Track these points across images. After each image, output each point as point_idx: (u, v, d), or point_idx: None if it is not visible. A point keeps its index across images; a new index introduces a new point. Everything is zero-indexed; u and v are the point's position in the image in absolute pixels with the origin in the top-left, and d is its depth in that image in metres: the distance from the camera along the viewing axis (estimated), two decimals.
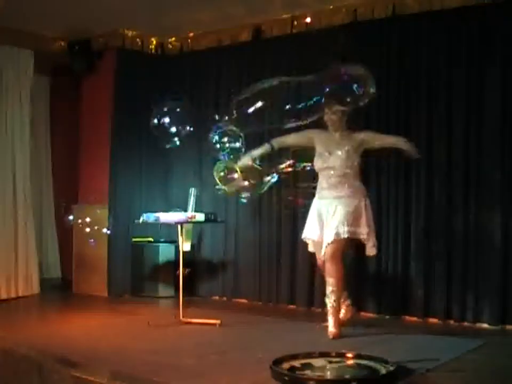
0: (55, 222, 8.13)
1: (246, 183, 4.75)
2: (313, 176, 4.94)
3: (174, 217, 5.29)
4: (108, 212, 6.68)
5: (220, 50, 6.68)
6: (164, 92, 6.79)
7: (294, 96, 4.56)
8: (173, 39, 7.00)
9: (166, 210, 5.59)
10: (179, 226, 5.31)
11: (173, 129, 4.86)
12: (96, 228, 6.22)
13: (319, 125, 4.75)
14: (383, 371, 3.40)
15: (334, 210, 4.69)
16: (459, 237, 5.22)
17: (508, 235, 5.03)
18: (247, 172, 4.78)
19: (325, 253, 4.68)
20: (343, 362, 3.62)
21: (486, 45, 5.16)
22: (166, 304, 6.37)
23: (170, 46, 7.04)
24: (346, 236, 4.60)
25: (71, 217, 6.58)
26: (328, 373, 3.43)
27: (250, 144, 4.85)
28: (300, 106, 4.44)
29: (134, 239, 6.82)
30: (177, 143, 4.90)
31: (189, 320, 5.14)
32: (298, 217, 5.92)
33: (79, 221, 6.39)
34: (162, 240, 6.79)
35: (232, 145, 4.73)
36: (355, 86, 4.30)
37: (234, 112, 4.53)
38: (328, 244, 4.63)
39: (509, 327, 4.98)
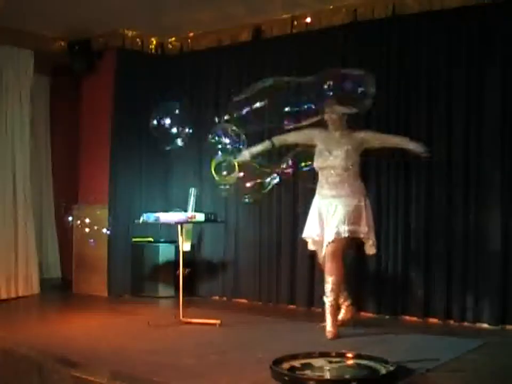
0: (55, 222, 8.13)
1: (241, 174, 4.75)
2: (313, 176, 4.96)
3: (174, 217, 5.29)
4: (108, 212, 6.68)
5: (220, 50, 6.68)
6: (163, 91, 6.82)
7: (294, 98, 4.56)
8: (173, 39, 7.00)
9: (166, 210, 5.60)
10: (179, 226, 5.31)
11: (173, 132, 4.88)
12: (95, 228, 6.22)
13: (320, 123, 4.76)
14: (383, 371, 3.40)
15: (334, 209, 4.70)
16: (459, 237, 5.22)
17: (508, 235, 5.03)
18: (244, 168, 4.79)
19: (325, 252, 4.69)
20: (343, 362, 3.62)
21: (486, 45, 5.16)
22: (166, 304, 6.37)
23: (170, 46, 7.04)
24: (346, 235, 4.62)
25: (70, 218, 6.59)
26: (328, 373, 3.43)
27: (250, 144, 4.87)
28: (300, 108, 4.46)
29: (134, 239, 6.82)
30: (179, 144, 4.92)
31: (189, 320, 5.14)
32: (298, 217, 5.93)
33: (78, 222, 6.40)
34: (162, 240, 6.79)
35: (233, 145, 4.74)
36: (357, 89, 4.33)
37: (234, 112, 4.53)
38: (329, 243, 4.64)
39: (509, 327, 4.98)
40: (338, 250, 4.68)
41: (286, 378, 3.29)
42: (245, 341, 4.57)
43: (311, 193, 4.99)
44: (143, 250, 6.78)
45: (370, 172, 5.53)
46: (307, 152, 4.94)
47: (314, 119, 4.64)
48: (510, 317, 4.99)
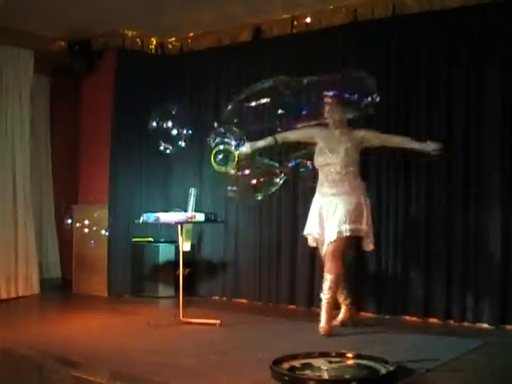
0: (55, 222, 8.13)
1: (247, 172, 4.76)
2: (313, 176, 4.96)
3: (174, 217, 5.29)
4: (108, 212, 6.69)
5: (220, 50, 6.68)
6: (164, 91, 6.83)
7: (295, 98, 4.57)
8: (173, 39, 7.00)
9: (166, 210, 5.60)
10: (179, 226, 5.31)
11: (173, 136, 4.90)
12: (94, 228, 6.22)
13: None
14: (383, 371, 3.40)
15: (334, 209, 4.71)
16: (459, 237, 5.22)
17: (508, 235, 5.03)
18: (245, 161, 4.81)
19: (325, 250, 4.71)
20: (343, 362, 3.62)
21: (486, 45, 5.16)
22: (166, 304, 6.37)
23: (170, 46, 7.04)
24: (348, 234, 4.64)
25: (69, 221, 6.59)
26: (328, 373, 3.43)
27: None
28: (301, 110, 4.47)
29: (134, 239, 6.81)
30: (181, 146, 4.94)
31: (189, 320, 5.14)
32: (298, 217, 5.93)
33: (78, 224, 6.40)
34: (162, 240, 6.79)
35: (233, 142, 4.76)
36: (362, 100, 4.36)
37: (233, 113, 4.54)
38: (331, 243, 4.65)
39: (509, 327, 4.98)
40: (339, 250, 4.70)
41: (286, 378, 3.29)
42: (245, 341, 4.57)
43: (311, 192, 5.00)
44: (143, 250, 6.78)
45: (370, 171, 5.53)
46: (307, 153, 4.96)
47: (315, 122, 4.68)
48: (510, 317, 4.99)
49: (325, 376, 3.40)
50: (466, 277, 5.18)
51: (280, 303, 6.18)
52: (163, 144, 4.96)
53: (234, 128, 4.72)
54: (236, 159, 4.75)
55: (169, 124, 4.89)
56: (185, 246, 5.68)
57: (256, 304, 6.31)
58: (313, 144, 4.91)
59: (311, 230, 4.90)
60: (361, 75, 4.59)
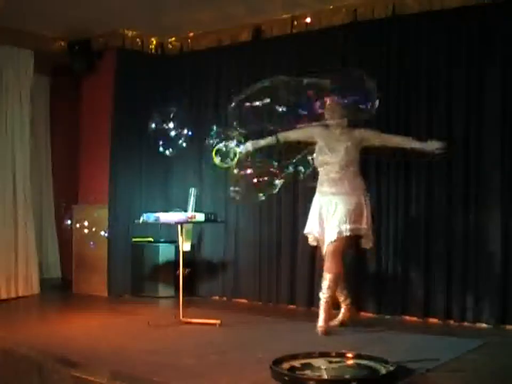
0: (55, 222, 8.13)
1: (249, 171, 4.76)
2: (313, 175, 4.97)
3: (174, 217, 5.29)
4: (108, 212, 6.69)
5: (220, 50, 6.68)
6: (164, 91, 6.83)
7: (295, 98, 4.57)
8: (173, 39, 7.00)
9: (166, 210, 5.60)
10: (179, 226, 5.31)
11: (173, 139, 4.91)
12: (93, 229, 6.22)
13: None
14: (383, 371, 3.40)
15: (335, 208, 4.72)
16: (459, 237, 5.22)
17: (508, 235, 5.03)
18: (246, 159, 4.82)
19: (325, 250, 4.72)
20: (343, 362, 3.62)
21: (486, 45, 5.16)
22: (166, 304, 6.37)
23: (170, 46, 7.04)
24: (348, 233, 4.66)
25: (68, 222, 6.59)
26: (328, 373, 3.43)
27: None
28: (301, 110, 4.47)
29: (134, 239, 6.81)
30: (181, 148, 4.96)
31: (189, 320, 5.14)
32: (298, 217, 5.94)
33: (78, 225, 6.39)
34: (162, 240, 6.78)
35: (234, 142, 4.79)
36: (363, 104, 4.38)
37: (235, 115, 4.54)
38: (331, 242, 4.66)
39: (509, 327, 4.98)
40: (339, 249, 4.71)
41: (286, 378, 3.29)
42: (245, 341, 4.57)
43: (311, 192, 5.01)
44: (143, 250, 6.78)
45: (370, 171, 5.53)
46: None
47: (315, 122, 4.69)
48: (510, 317, 4.99)
49: (325, 376, 3.40)
50: (466, 277, 5.17)
51: (280, 303, 6.17)
52: (163, 146, 4.97)
53: (234, 130, 4.74)
54: (237, 156, 4.76)
55: (169, 126, 4.90)
56: (185, 246, 5.68)
57: (256, 304, 6.31)
58: (314, 144, 4.92)
59: (311, 229, 4.92)
60: (361, 77, 4.59)
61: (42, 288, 6.94)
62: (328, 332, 4.68)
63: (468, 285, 5.16)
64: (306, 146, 5.01)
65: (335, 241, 4.66)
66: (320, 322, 4.70)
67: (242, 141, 4.85)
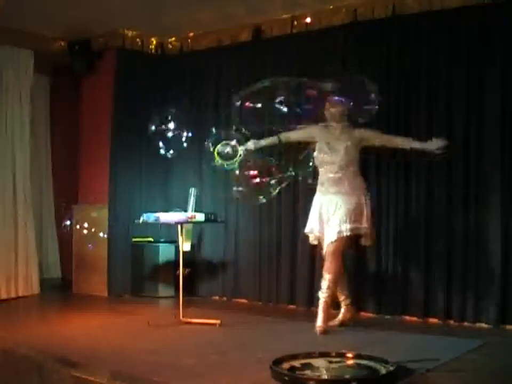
0: (55, 222, 8.12)
1: (253, 172, 4.77)
2: (313, 176, 4.97)
3: (174, 217, 5.29)
4: (108, 212, 6.69)
5: (220, 50, 6.67)
6: (164, 91, 6.83)
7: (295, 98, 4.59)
8: (173, 39, 6.99)
9: (166, 210, 5.60)
10: (179, 226, 5.31)
11: (173, 141, 4.93)
12: (93, 230, 6.22)
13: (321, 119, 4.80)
14: (383, 371, 3.40)
15: (335, 208, 4.73)
16: (459, 237, 5.22)
17: (508, 235, 5.03)
18: (248, 158, 4.83)
19: (326, 250, 4.73)
20: (343, 362, 3.61)
21: (486, 45, 5.15)
22: (166, 304, 6.37)
23: (170, 46, 7.04)
24: (348, 233, 4.67)
25: (68, 222, 6.59)
26: (328, 373, 3.42)
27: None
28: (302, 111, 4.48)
29: (134, 239, 6.81)
30: (183, 147, 4.97)
31: (189, 320, 5.14)
32: (298, 217, 5.94)
33: (77, 226, 6.40)
34: (162, 240, 6.78)
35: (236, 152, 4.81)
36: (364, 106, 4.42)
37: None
38: (331, 243, 4.67)
39: (509, 327, 4.98)
40: (339, 250, 4.72)
41: (286, 378, 3.29)
42: (245, 341, 4.57)
43: (311, 192, 5.01)
44: (143, 250, 6.78)
45: (370, 171, 5.53)
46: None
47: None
48: (510, 317, 4.99)
49: (325, 376, 3.40)
50: (466, 277, 5.17)
51: (280, 303, 6.17)
52: (164, 148, 4.99)
53: (235, 131, 4.77)
54: (239, 154, 4.77)
55: (169, 127, 4.92)
56: (185, 246, 5.68)
57: (256, 304, 6.31)
58: (314, 144, 4.93)
59: (312, 228, 4.92)
60: (362, 82, 4.63)
61: (42, 288, 6.94)
62: (326, 331, 4.68)
63: (467, 285, 5.16)
64: (307, 147, 5.02)
65: (335, 241, 4.67)
66: (319, 322, 4.72)
67: (244, 142, 4.86)
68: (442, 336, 4.69)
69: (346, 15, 5.80)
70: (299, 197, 5.97)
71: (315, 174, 4.96)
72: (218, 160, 4.79)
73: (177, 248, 6.05)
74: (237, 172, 4.79)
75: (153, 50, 7.02)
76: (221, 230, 6.56)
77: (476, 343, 4.39)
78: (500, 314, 5.00)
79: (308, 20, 6.04)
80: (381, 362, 3.52)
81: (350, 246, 5.02)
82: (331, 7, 5.86)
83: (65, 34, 6.78)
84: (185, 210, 5.33)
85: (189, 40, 6.91)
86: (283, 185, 4.91)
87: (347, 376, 3.37)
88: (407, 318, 5.44)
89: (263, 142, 5.01)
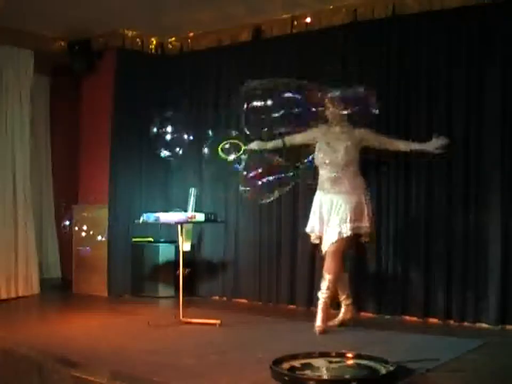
0: (55, 222, 8.12)
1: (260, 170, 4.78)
2: (313, 176, 4.97)
3: (174, 217, 5.29)
4: (108, 212, 6.69)
5: (220, 50, 6.67)
6: (164, 91, 6.83)
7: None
8: (173, 39, 6.99)
9: (166, 210, 5.60)
10: (179, 226, 5.31)
11: (174, 145, 4.95)
12: (91, 233, 6.21)
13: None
14: (383, 371, 3.40)
15: (335, 208, 4.74)
16: (459, 237, 5.22)
17: (508, 235, 5.03)
18: (250, 156, 4.84)
19: (326, 250, 4.73)
20: (343, 362, 3.61)
21: (486, 45, 5.15)
22: (166, 304, 6.37)
23: (170, 46, 7.04)
24: (349, 233, 4.68)
25: (67, 223, 6.59)
26: (328, 373, 3.43)
27: None
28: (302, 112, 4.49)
29: (134, 239, 6.81)
30: (184, 150, 4.99)
31: (189, 320, 5.14)
32: (298, 217, 5.94)
33: (76, 228, 6.39)
34: (162, 240, 6.78)
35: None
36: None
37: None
38: (332, 243, 4.67)
39: (509, 327, 4.98)
40: (339, 250, 4.73)
41: (286, 378, 3.29)
42: (245, 341, 4.57)
43: (311, 192, 5.01)
44: (143, 250, 6.78)
45: (370, 171, 5.52)
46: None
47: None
48: (510, 317, 4.99)
49: (325, 376, 3.40)
50: (466, 277, 5.17)
51: (280, 303, 6.17)
52: (165, 152, 5.02)
53: (234, 134, 4.80)
54: (242, 151, 4.79)
55: (170, 131, 4.94)
56: (185, 246, 5.68)
57: (256, 304, 6.31)
58: (315, 144, 4.94)
59: (312, 227, 4.93)
60: (362, 93, 4.65)
61: (42, 288, 6.93)
62: (325, 331, 4.69)
63: (468, 285, 5.16)
64: (309, 150, 5.02)
65: (335, 242, 4.67)
66: (318, 322, 4.72)
67: (246, 142, 4.88)
68: (442, 336, 4.69)
69: (346, 15, 5.80)
70: (299, 197, 5.97)
71: (315, 174, 4.96)
72: (221, 154, 4.82)
73: (177, 248, 6.05)
74: (244, 173, 4.79)
75: (153, 50, 7.02)
76: (221, 230, 6.56)
77: (476, 343, 4.39)
78: (500, 314, 5.00)
79: (308, 19, 6.04)
80: (381, 362, 3.52)
81: (351, 247, 5.03)
82: (331, 7, 5.86)
83: (65, 34, 6.78)
84: (185, 210, 5.32)
85: (189, 40, 6.91)
86: (289, 186, 4.91)
87: (347, 376, 3.37)
88: (407, 318, 5.44)
89: (268, 144, 5.02)
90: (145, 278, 6.75)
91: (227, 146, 4.82)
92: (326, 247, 4.78)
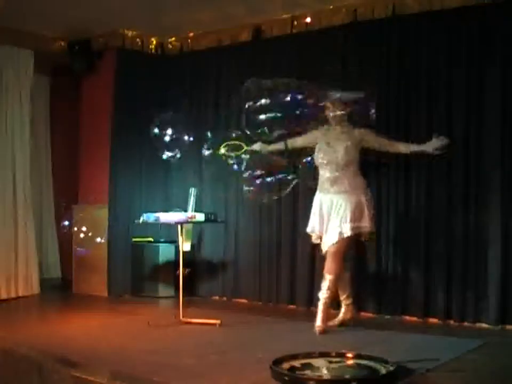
0: (55, 222, 8.12)
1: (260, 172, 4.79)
2: (313, 176, 4.97)
3: (174, 217, 5.29)
4: (108, 212, 6.69)
5: (220, 50, 6.67)
6: (164, 91, 6.83)
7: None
8: (173, 39, 6.99)
9: (166, 210, 5.60)
10: (179, 226, 5.31)
11: (174, 146, 4.96)
12: (90, 234, 6.21)
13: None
14: (383, 371, 3.40)
15: (336, 208, 4.74)
16: (459, 237, 5.22)
17: (508, 235, 5.03)
18: (251, 156, 4.84)
19: (327, 251, 4.73)
20: (343, 362, 3.61)
21: (486, 45, 5.15)
22: (166, 304, 6.37)
23: (170, 46, 7.04)
24: (349, 234, 4.67)
25: (67, 223, 6.59)
26: (328, 373, 3.43)
27: None
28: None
29: (134, 239, 6.81)
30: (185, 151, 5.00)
31: (189, 320, 5.14)
32: (298, 217, 5.94)
33: (75, 228, 6.39)
34: (162, 240, 6.78)
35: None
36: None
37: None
38: (332, 244, 4.68)
39: (509, 327, 4.98)
40: (340, 251, 4.73)
41: (286, 378, 3.29)
42: (245, 341, 4.57)
43: (311, 192, 5.01)
44: (143, 250, 6.78)
45: (370, 172, 5.52)
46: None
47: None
48: (510, 317, 4.99)
49: (325, 376, 3.40)
50: (466, 277, 5.17)
51: (280, 303, 6.17)
52: (167, 153, 5.02)
53: (234, 135, 4.80)
54: (243, 150, 4.79)
55: (171, 133, 4.94)
56: (185, 246, 5.68)
57: (256, 304, 6.31)
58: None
59: (313, 227, 4.93)
60: (360, 98, 4.66)
61: (42, 288, 6.94)
62: (325, 331, 4.69)
63: (468, 285, 5.16)
64: (310, 152, 5.02)
65: (336, 243, 4.68)
66: (318, 322, 4.73)
67: (248, 143, 4.88)
68: (442, 336, 4.69)
69: (346, 15, 5.80)
70: (299, 197, 5.97)
71: (315, 174, 4.96)
72: (221, 150, 4.82)
73: (177, 248, 6.05)
74: (247, 173, 4.79)
75: (153, 50, 7.02)
76: (221, 230, 6.56)
77: (475, 343, 4.39)
78: (499, 314, 5.00)
79: (308, 19, 6.04)
80: (381, 362, 3.52)
81: (351, 247, 5.03)
82: (331, 7, 5.86)
83: (65, 34, 6.78)
84: (185, 210, 5.33)
85: (189, 40, 6.91)
86: (291, 186, 4.91)
87: (347, 376, 3.37)
88: (407, 318, 5.44)
89: (270, 147, 5.02)
90: (145, 278, 6.75)
91: (229, 146, 4.81)
92: (326, 247, 4.78)
